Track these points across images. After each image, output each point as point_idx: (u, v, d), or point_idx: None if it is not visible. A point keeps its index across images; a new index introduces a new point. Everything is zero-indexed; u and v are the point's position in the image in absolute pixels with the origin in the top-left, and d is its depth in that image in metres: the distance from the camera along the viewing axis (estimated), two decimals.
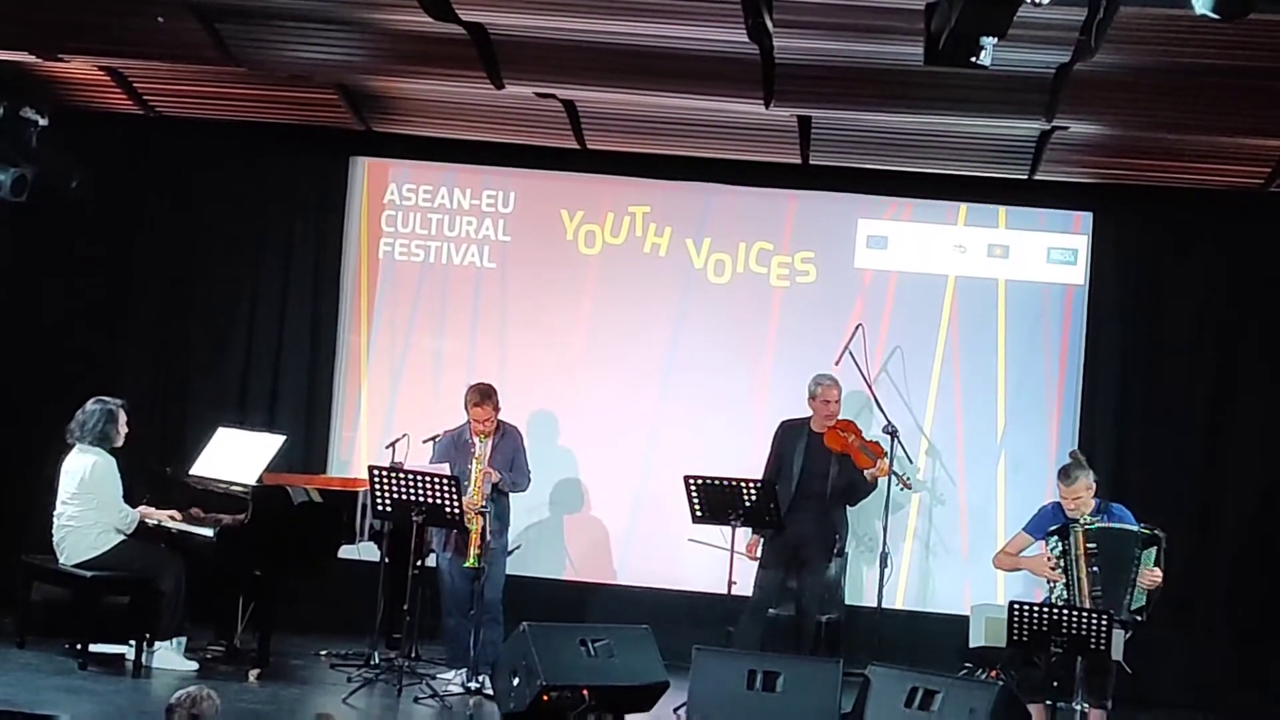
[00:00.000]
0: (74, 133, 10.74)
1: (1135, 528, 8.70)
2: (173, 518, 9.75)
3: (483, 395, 9.75)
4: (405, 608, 9.59)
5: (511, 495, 9.98)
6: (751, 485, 9.71)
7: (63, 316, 11.35)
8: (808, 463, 10.15)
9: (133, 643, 9.45)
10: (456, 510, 9.34)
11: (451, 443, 9.89)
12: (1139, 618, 8.60)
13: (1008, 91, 9.05)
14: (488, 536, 9.57)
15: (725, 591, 9.70)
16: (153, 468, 10.29)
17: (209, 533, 9.62)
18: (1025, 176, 10.55)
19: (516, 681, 8.73)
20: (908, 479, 10.28)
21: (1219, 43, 8.01)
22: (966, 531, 10.99)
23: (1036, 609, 8.27)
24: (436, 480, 9.33)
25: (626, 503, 11.23)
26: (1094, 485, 8.81)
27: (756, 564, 10.20)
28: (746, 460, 10.42)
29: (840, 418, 10.19)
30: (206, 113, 10.82)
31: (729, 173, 11.05)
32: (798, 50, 8.84)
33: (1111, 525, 8.69)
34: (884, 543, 10.28)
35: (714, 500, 9.71)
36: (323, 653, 10.31)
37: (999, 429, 11.04)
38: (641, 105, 10.02)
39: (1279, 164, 9.97)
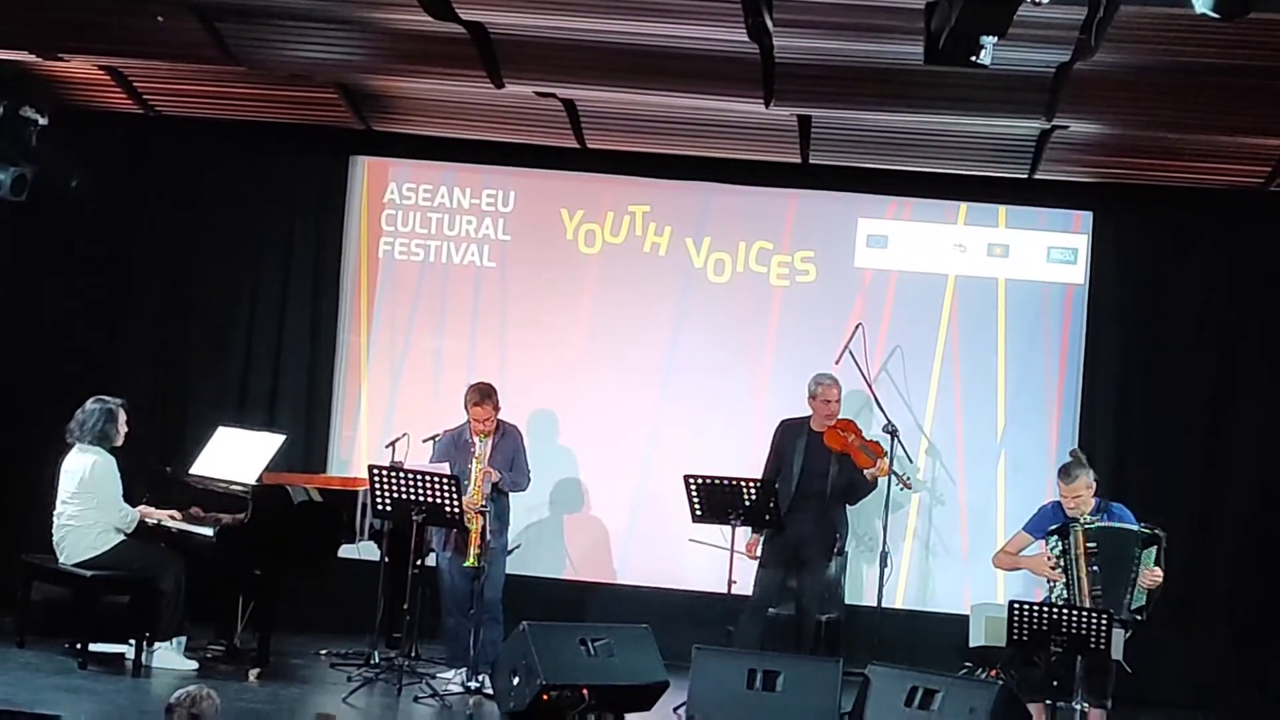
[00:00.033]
0: (74, 132, 10.74)
1: (1135, 527, 8.69)
2: (173, 517, 9.75)
3: (483, 395, 9.75)
4: (405, 607, 9.59)
5: (511, 495, 9.98)
6: (751, 484, 9.71)
7: (63, 316, 11.34)
8: (808, 462, 10.15)
9: (132, 642, 9.45)
10: (456, 510, 9.34)
11: (451, 442, 9.89)
12: (1139, 617, 8.60)
13: (1008, 91, 9.05)
14: (488, 536, 9.57)
15: (725, 591, 9.71)
16: (153, 467, 10.29)
17: (209, 532, 9.62)
18: (1025, 176, 10.55)
19: (516, 681, 8.73)
20: (907, 479, 10.28)
21: (1219, 42, 8.01)
22: (966, 531, 10.99)
23: (1036, 608, 8.27)
24: (436, 480, 9.33)
25: (626, 502, 11.23)
26: (1094, 484, 8.81)
27: (756, 563, 10.20)
28: (746, 460, 10.42)
29: (840, 417, 10.19)
30: (206, 112, 10.82)
31: (729, 172, 11.05)
32: (798, 50, 8.84)
33: (1111, 524, 8.69)
34: (884, 542, 10.28)
35: (714, 499, 9.71)
36: (323, 652, 10.31)
37: (999, 428, 11.04)
38: (642, 105, 10.02)
39: (1279, 163, 9.96)
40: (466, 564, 9.62)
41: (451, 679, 9.65)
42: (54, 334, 11.26)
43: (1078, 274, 11.05)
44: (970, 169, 10.61)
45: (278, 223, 11.50)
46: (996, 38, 6.95)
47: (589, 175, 11.27)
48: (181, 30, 9.22)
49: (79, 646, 9.39)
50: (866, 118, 9.93)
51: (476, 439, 9.76)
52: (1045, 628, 8.18)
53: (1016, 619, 8.24)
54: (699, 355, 11.23)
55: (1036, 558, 8.94)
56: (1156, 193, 10.71)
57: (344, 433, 11.43)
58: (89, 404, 9.59)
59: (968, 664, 9.49)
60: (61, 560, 9.53)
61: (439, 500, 9.31)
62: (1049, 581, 8.79)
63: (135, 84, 10.49)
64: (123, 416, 9.61)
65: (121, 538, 9.52)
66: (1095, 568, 8.56)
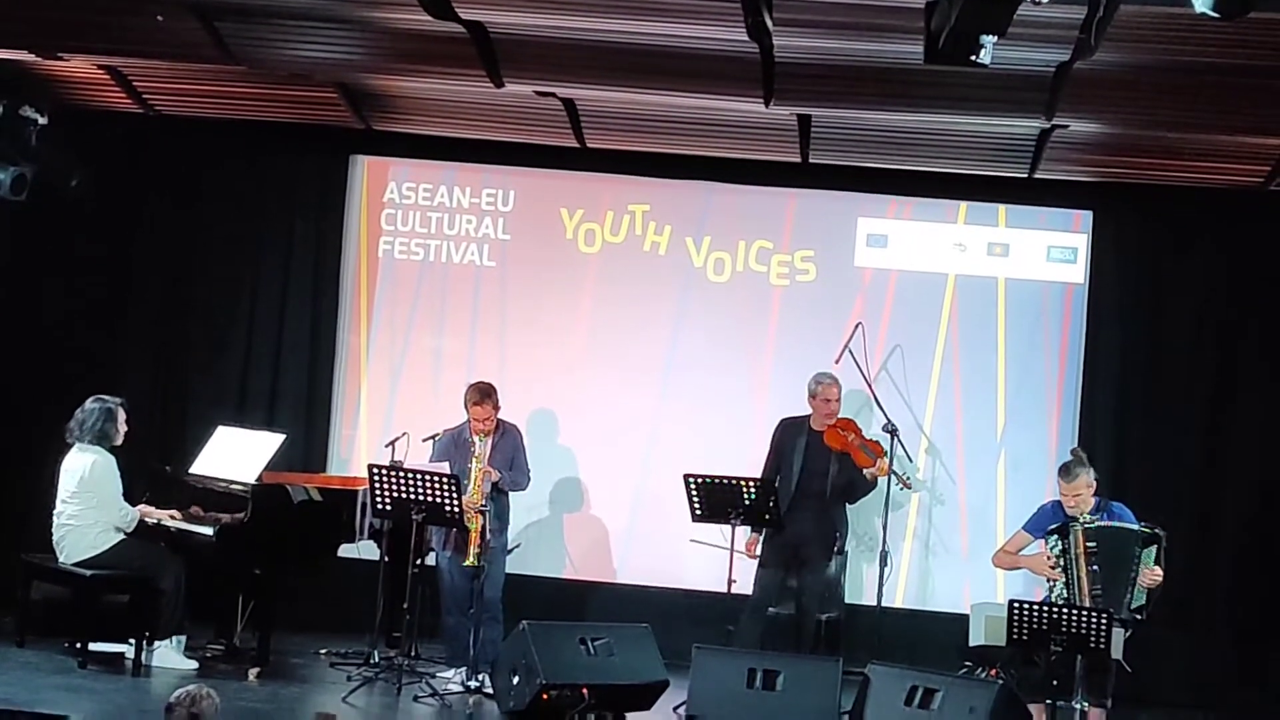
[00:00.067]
0: (74, 131, 10.74)
1: (1135, 526, 8.69)
2: (173, 516, 9.75)
3: (482, 394, 9.75)
4: (405, 606, 9.59)
5: (511, 494, 9.98)
6: (751, 484, 9.71)
7: (62, 316, 11.34)
8: (807, 461, 10.15)
9: (132, 641, 9.45)
10: (456, 509, 9.34)
11: (451, 441, 9.89)
12: (1139, 616, 8.60)
13: (1008, 90, 9.05)
14: (487, 535, 9.57)
15: (725, 590, 9.71)
16: (153, 466, 10.29)
17: (209, 531, 9.62)
18: (1025, 175, 10.55)
19: (516, 680, 8.73)
20: (907, 478, 10.28)
21: (1219, 41, 8.00)
22: (966, 530, 10.99)
23: (1036, 608, 8.26)
24: (436, 479, 9.33)
25: (626, 501, 11.22)
26: (1094, 483, 8.80)
27: (756, 562, 10.20)
28: (746, 459, 10.42)
29: (840, 416, 10.20)
30: (206, 111, 10.81)
31: (729, 171, 11.05)
32: (797, 49, 8.84)
33: (1111, 524, 8.68)
34: (884, 541, 10.28)
35: (714, 499, 9.71)
36: (322, 651, 10.31)
37: (999, 428, 11.04)
38: (641, 104, 10.02)
39: (1279, 162, 9.96)
40: (466, 563, 9.61)
41: (451, 678, 9.65)
42: (54, 333, 11.26)
43: (1078, 273, 11.05)
44: (970, 168, 10.61)
45: (277, 222, 11.50)
46: (996, 37, 6.95)
47: (589, 175, 11.27)
48: (181, 30, 9.22)
49: (79, 646, 9.39)
50: (866, 117, 9.93)
51: (476, 438, 9.76)
52: (1045, 627, 8.18)
53: (1016, 618, 8.24)
54: (699, 354, 11.23)
55: (1036, 557, 8.94)
56: (1156, 192, 10.71)
57: (344, 432, 11.43)
58: (88, 403, 9.60)
59: (968, 663, 9.50)
60: (61, 559, 9.53)
61: (439, 499, 9.31)
62: (1049, 581, 8.79)
63: (135, 83, 10.49)
64: (122, 415, 9.61)
65: (121, 537, 9.52)
66: (1095, 567, 8.56)
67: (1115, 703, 8.59)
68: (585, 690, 8.65)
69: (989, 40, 6.96)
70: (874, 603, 10.28)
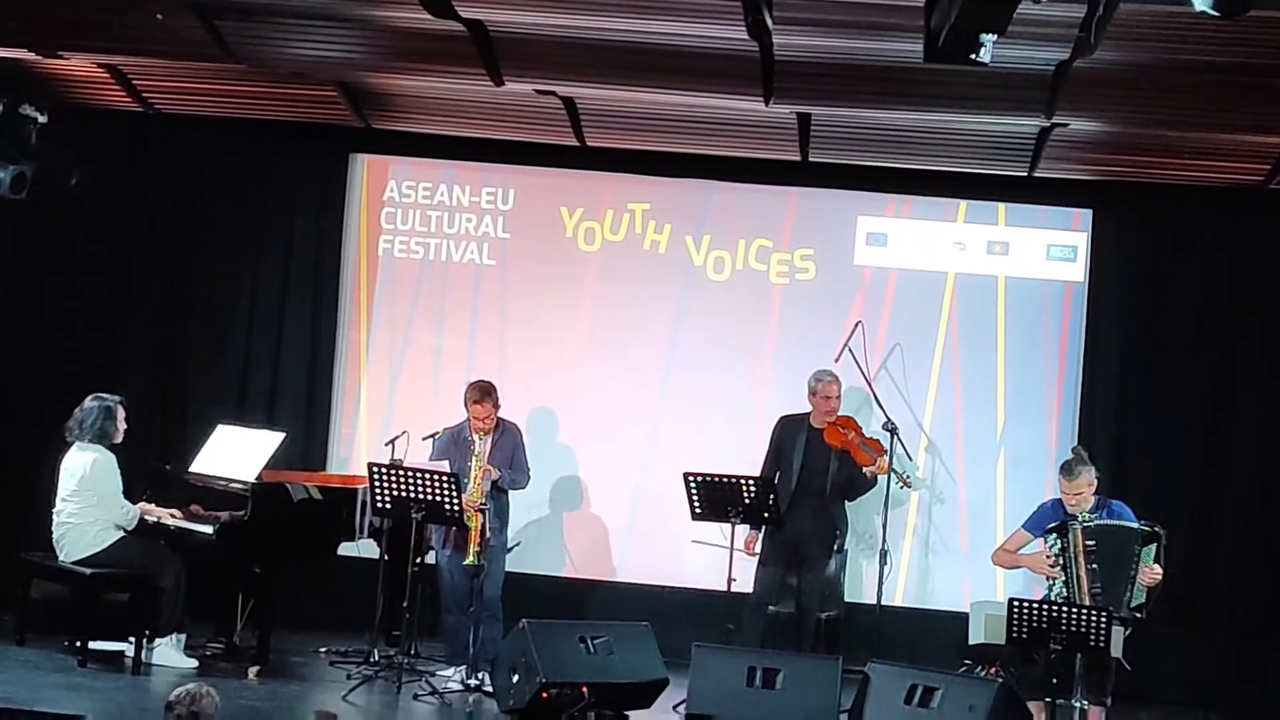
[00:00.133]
0: (74, 130, 10.73)
1: (1135, 525, 8.69)
2: (173, 515, 9.75)
3: (482, 392, 9.75)
4: (405, 605, 9.59)
5: (511, 492, 9.98)
6: (751, 482, 9.72)
7: (62, 314, 11.34)
8: (807, 459, 10.15)
9: (132, 640, 9.45)
10: (456, 507, 9.34)
11: (451, 440, 9.89)
12: (1139, 615, 8.60)
13: (1007, 89, 9.05)
14: (487, 534, 9.57)
15: (725, 588, 9.71)
16: (153, 465, 10.28)
17: (208, 530, 9.62)
18: (1025, 174, 10.54)
19: (516, 679, 8.74)
20: (907, 477, 10.27)
21: (1219, 40, 8.00)
22: (966, 528, 10.99)
23: (1036, 606, 8.27)
24: (436, 477, 9.33)
25: (626, 500, 11.22)
26: (1095, 482, 8.80)
27: (756, 560, 10.20)
28: (746, 457, 10.42)
29: (840, 414, 10.20)
30: (206, 110, 10.81)
31: (729, 170, 11.05)
32: (797, 47, 8.84)
33: (1110, 522, 8.68)
34: (883, 540, 10.28)
35: (713, 497, 9.72)
36: (322, 650, 10.31)
37: (999, 426, 11.03)
38: (641, 102, 10.02)
39: (1279, 161, 9.96)
40: (466, 562, 9.61)
41: (451, 677, 9.65)
42: (53, 332, 11.26)
43: (1077, 272, 11.05)
44: (970, 167, 10.61)
45: (277, 221, 11.50)
46: (996, 35, 6.94)
47: (588, 173, 11.27)
48: (181, 28, 9.22)
49: (79, 644, 9.39)
50: (866, 115, 9.93)
51: (476, 436, 9.75)
52: (1045, 625, 8.18)
53: (1016, 617, 8.24)
54: (699, 353, 11.23)
55: (1035, 556, 8.94)
56: (1156, 190, 10.70)
57: (343, 430, 11.43)
58: (87, 402, 9.60)
59: (967, 661, 9.49)
60: (61, 558, 9.53)
61: (438, 498, 9.31)
62: (1048, 579, 8.79)
63: (135, 82, 10.49)
64: (121, 414, 9.61)
65: (121, 535, 9.52)
66: (1095, 565, 8.55)
67: (1115, 701, 8.58)
68: (585, 689, 8.65)
69: (989, 39, 6.96)
70: (874, 601, 10.28)
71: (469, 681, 9.46)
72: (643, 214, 11.33)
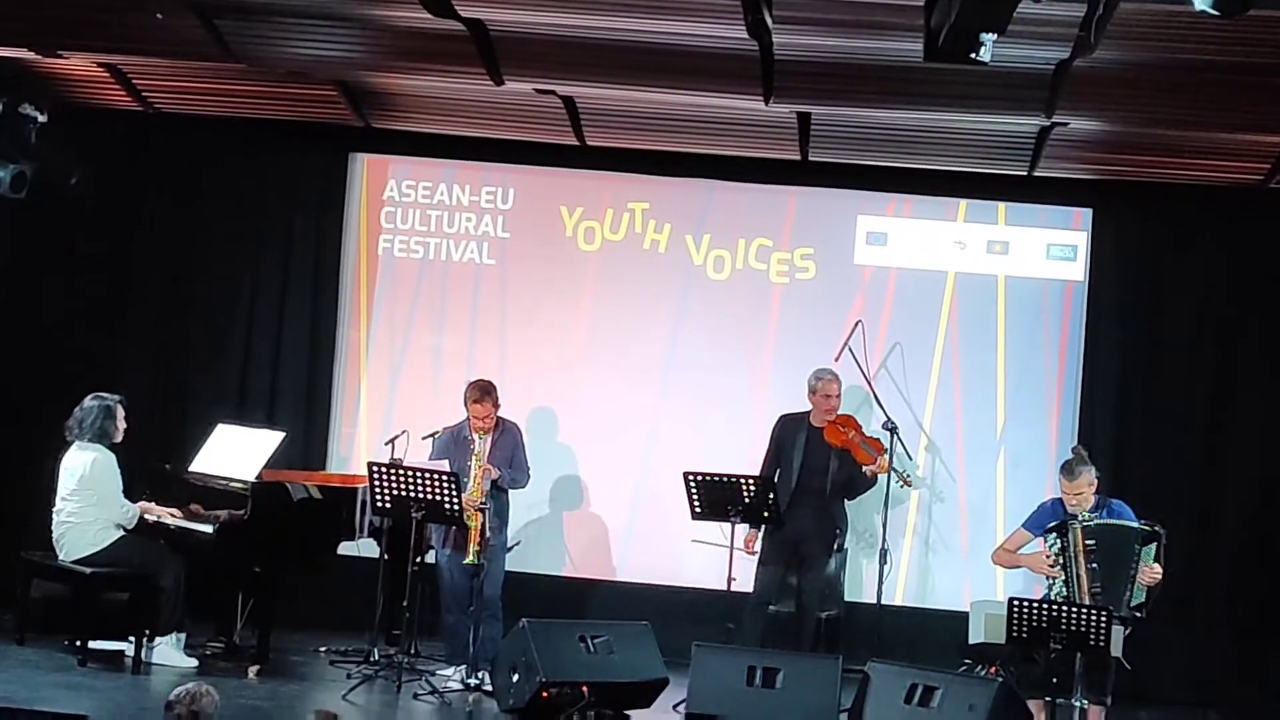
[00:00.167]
0: (73, 129, 10.73)
1: (1135, 524, 8.69)
2: (173, 515, 9.74)
3: (482, 392, 9.75)
4: (405, 604, 9.59)
5: (511, 492, 9.98)
6: (750, 481, 9.72)
7: (62, 314, 11.34)
8: (807, 457, 10.15)
9: (132, 639, 9.45)
10: (456, 506, 9.34)
11: (451, 439, 9.89)
12: (1139, 614, 8.60)
13: (1007, 88, 9.04)
14: (487, 533, 9.57)
15: (725, 588, 9.71)
16: (153, 465, 10.28)
17: (208, 529, 9.62)
18: (1025, 173, 10.54)
19: (516, 678, 8.74)
20: (907, 475, 10.27)
21: (1218, 39, 8.00)
22: (966, 528, 10.99)
23: (1036, 605, 8.27)
24: (436, 477, 9.33)
25: (626, 499, 11.22)
26: (1095, 481, 8.79)
27: (756, 560, 10.20)
28: (746, 456, 10.42)
29: (839, 413, 10.20)
30: (206, 109, 10.82)
31: (728, 169, 11.05)
32: (797, 46, 8.84)
33: (1110, 522, 8.68)
34: (883, 539, 10.28)
35: (713, 496, 9.72)
36: (322, 649, 10.31)
37: (998, 425, 11.03)
38: (641, 101, 10.02)
39: (1279, 160, 9.96)
40: (466, 561, 9.61)
41: (451, 676, 9.64)
42: (53, 332, 11.26)
43: (1077, 271, 11.05)
44: (970, 166, 10.61)
45: (277, 220, 11.50)
46: (996, 35, 6.94)
47: (588, 172, 11.27)
48: (181, 27, 9.22)
49: (79, 644, 9.40)
50: (866, 115, 9.93)
51: (476, 436, 9.75)
52: (1045, 625, 8.17)
53: (1016, 616, 8.24)
54: (699, 352, 11.23)
55: (1035, 555, 8.93)
56: (1156, 190, 10.71)
57: (343, 430, 11.43)
58: (87, 401, 9.60)
59: (967, 661, 9.49)
60: (61, 557, 9.53)
61: (438, 497, 9.31)
62: (1048, 579, 8.79)
63: (135, 81, 10.49)
64: (121, 413, 9.61)
65: (121, 534, 9.52)
66: (1094, 565, 8.55)
67: (1115, 700, 8.58)
68: (585, 688, 8.65)
69: (989, 38, 6.96)
70: (874, 600, 10.28)
71: (469, 681, 9.46)
72: (643, 213, 11.32)
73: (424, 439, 10.07)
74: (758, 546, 10.22)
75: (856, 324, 10.71)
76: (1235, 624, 10.79)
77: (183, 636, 9.58)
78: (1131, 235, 11.00)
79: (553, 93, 10.06)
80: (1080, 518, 8.66)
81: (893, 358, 11.04)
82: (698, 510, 9.79)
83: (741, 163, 10.92)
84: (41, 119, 10.37)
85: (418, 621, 9.85)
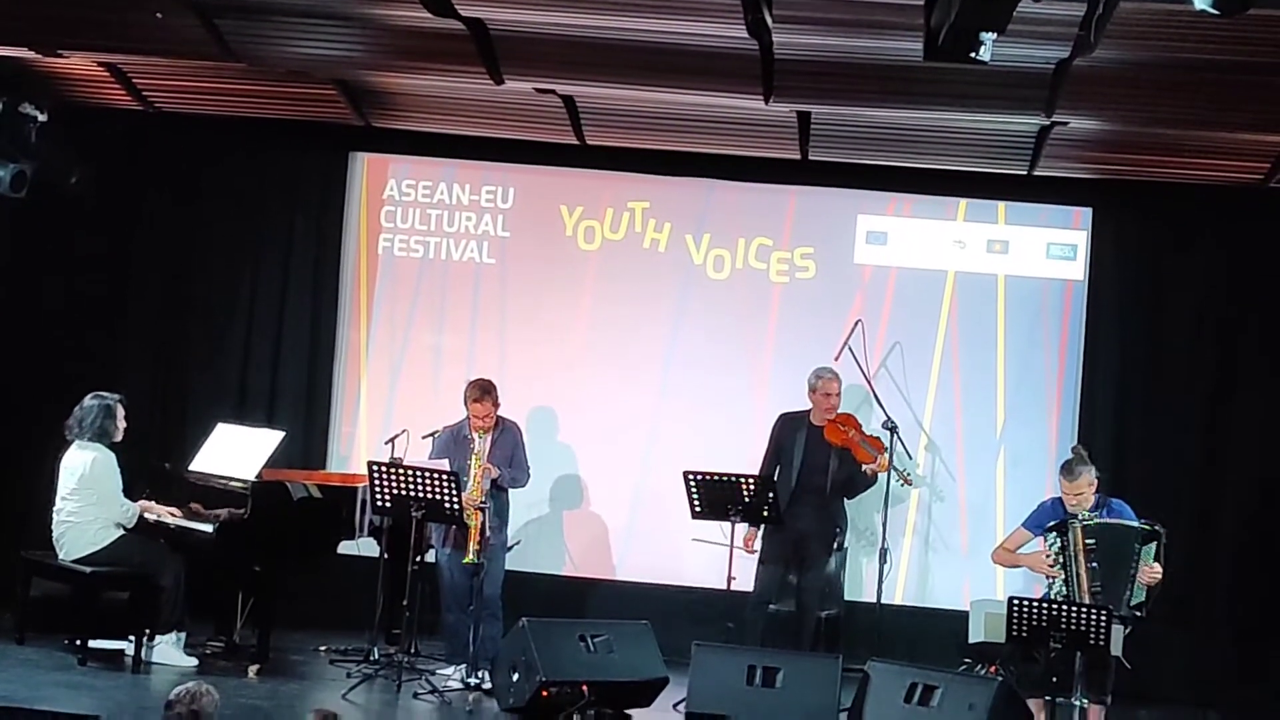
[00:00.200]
0: (73, 128, 10.73)
1: (1135, 523, 8.68)
2: (172, 514, 9.74)
3: (482, 391, 9.76)
4: (405, 603, 9.59)
5: (511, 491, 9.99)
6: (750, 480, 9.71)
7: (62, 313, 11.34)
8: (807, 456, 10.16)
9: (132, 638, 9.44)
10: (456, 506, 9.34)
11: (451, 438, 9.89)
12: (1138, 613, 8.60)
13: (1007, 87, 9.04)
14: (487, 532, 9.57)
15: (725, 587, 9.71)
16: (153, 464, 10.28)
17: (208, 528, 9.62)
18: (1025, 172, 10.54)
19: (516, 677, 8.75)
20: (908, 474, 10.27)
21: (1218, 38, 8.00)
22: (966, 527, 10.99)
23: (1036, 604, 8.27)
24: (436, 476, 9.33)
25: (626, 498, 11.22)
26: (1095, 482, 8.79)
27: (756, 559, 10.20)
28: (746, 456, 10.42)
29: (839, 411, 10.20)
30: (206, 108, 10.82)
31: (728, 168, 11.05)
32: (797, 46, 8.84)
33: (1110, 521, 8.68)
34: (883, 538, 10.29)
35: (713, 496, 9.72)
36: (322, 648, 10.31)
37: (998, 424, 11.03)
38: (641, 100, 10.02)
39: (1278, 159, 9.96)
40: (466, 560, 9.61)
41: (451, 675, 9.64)
42: (53, 331, 11.26)
43: (1077, 270, 11.05)
44: (970, 165, 10.61)
45: (277, 219, 11.50)
46: (996, 34, 6.94)
47: (588, 171, 11.27)
48: (181, 26, 9.22)
49: (78, 643, 9.39)
50: (866, 114, 9.93)
51: (476, 435, 9.76)
52: (1045, 624, 8.17)
53: (1016, 615, 8.24)
54: (698, 352, 11.23)
55: (1035, 555, 8.93)
56: (1156, 189, 10.71)
57: (343, 429, 11.43)
58: (87, 400, 9.60)
59: (967, 660, 9.50)
60: (61, 556, 9.53)
61: (438, 496, 9.31)
62: (1048, 578, 8.79)
63: (135, 80, 10.49)
64: (121, 412, 9.61)
65: (121, 533, 9.52)
66: (1094, 564, 8.55)
67: (1115, 700, 8.59)
68: (585, 687, 8.66)
69: (989, 37, 6.96)
70: (874, 599, 10.28)
71: (469, 680, 9.45)
72: (643, 212, 11.33)
73: (424, 438, 10.07)
74: (757, 545, 10.23)
75: (856, 323, 10.71)
76: (1235, 624, 10.79)
77: (183, 636, 9.58)
78: (1131, 234, 11.00)
79: (553, 92, 10.05)
80: (1080, 517, 8.66)
81: (892, 357, 11.04)
82: (697, 510, 9.79)
83: (741, 162, 10.92)
84: (41, 118, 10.37)
85: (418, 621, 9.85)
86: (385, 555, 9.99)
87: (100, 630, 9.48)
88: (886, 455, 10.06)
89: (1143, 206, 10.91)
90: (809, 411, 10.25)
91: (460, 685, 9.48)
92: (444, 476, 9.32)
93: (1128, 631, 8.49)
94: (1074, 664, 8.20)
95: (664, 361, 11.26)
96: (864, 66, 9.04)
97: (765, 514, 9.79)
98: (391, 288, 11.47)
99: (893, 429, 10.23)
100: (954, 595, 10.82)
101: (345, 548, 10.11)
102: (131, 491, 9.63)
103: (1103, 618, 8.11)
